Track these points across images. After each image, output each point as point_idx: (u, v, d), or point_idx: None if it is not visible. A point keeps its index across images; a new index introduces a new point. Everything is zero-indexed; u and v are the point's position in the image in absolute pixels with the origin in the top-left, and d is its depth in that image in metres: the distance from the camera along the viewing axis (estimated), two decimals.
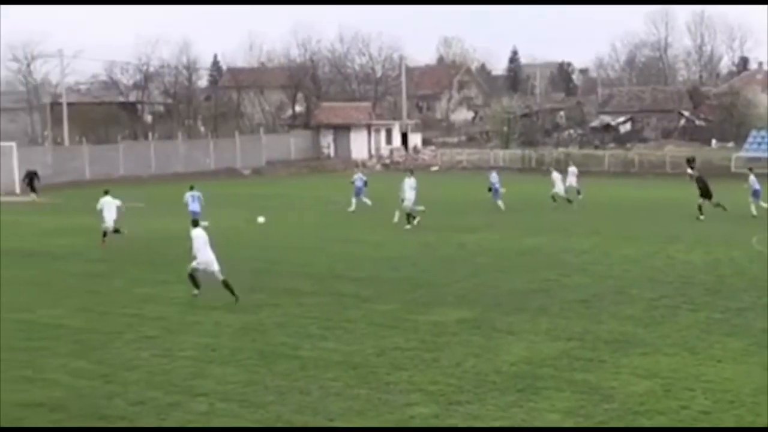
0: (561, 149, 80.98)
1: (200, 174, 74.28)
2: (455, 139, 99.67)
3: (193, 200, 38.13)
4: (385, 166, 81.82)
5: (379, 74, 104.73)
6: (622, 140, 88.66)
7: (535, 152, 78.24)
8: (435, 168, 80.00)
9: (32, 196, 56.01)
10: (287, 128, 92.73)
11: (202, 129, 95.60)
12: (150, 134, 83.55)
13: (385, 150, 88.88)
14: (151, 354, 17.48)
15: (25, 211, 48.51)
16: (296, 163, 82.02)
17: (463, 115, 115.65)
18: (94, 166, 70.90)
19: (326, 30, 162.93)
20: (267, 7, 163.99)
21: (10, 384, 15.63)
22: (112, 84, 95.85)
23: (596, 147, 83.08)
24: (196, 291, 23.01)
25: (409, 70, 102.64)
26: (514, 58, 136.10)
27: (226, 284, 22.49)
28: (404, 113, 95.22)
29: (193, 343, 18.19)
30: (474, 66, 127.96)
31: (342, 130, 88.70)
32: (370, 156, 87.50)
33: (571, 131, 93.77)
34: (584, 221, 38.52)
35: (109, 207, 34.36)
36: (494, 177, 44.20)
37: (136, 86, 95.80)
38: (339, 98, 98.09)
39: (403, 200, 38.07)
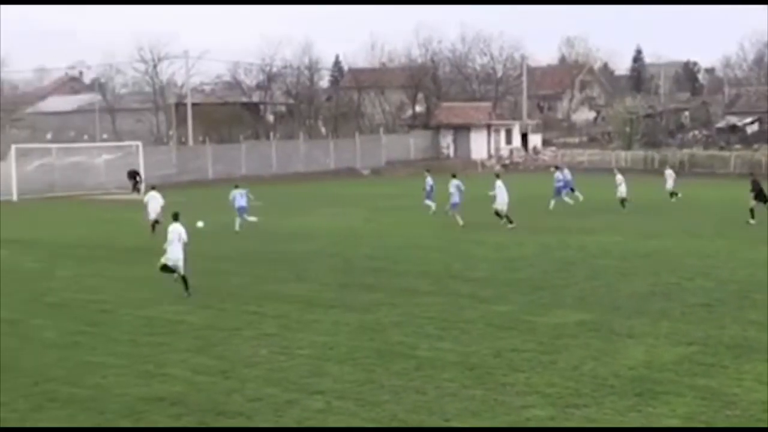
0: (685, 150, 79.42)
1: (320, 174, 75.09)
2: (576, 140, 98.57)
3: (241, 197, 38.93)
4: (504, 166, 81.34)
5: (499, 74, 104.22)
6: (748, 141, 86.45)
7: (658, 153, 76.89)
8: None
9: (134, 195, 57.25)
10: (407, 128, 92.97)
11: (323, 129, 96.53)
12: (272, 134, 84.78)
13: (504, 150, 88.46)
14: (269, 351, 17.70)
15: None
16: (415, 163, 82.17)
17: (585, 115, 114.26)
18: (216, 165, 72.24)
19: (448, 30, 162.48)
20: (389, 8, 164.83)
21: (133, 378, 16.01)
22: (235, 84, 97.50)
23: (721, 148, 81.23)
24: (175, 275, 23.75)
25: (531, 70, 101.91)
26: (638, 57, 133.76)
27: (183, 279, 23.51)
28: (524, 113, 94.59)
29: (310, 341, 18.36)
30: (596, 65, 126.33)
31: (462, 130, 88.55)
32: (490, 156, 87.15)
33: (696, 132, 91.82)
34: (708, 224, 37.70)
35: (155, 200, 36.71)
36: (559, 175, 44.83)
37: (258, 87, 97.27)
38: (459, 98, 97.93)
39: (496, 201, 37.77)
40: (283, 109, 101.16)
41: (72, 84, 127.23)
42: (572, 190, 45.86)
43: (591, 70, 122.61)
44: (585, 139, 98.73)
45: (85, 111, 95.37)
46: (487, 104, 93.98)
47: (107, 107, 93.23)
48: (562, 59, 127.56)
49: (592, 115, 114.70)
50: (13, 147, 62.02)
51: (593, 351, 17.24)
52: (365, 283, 24.91)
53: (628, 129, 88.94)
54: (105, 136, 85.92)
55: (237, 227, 37.77)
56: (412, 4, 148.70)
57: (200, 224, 30.33)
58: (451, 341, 18.19)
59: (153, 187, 38.79)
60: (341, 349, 17.69)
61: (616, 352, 17.18)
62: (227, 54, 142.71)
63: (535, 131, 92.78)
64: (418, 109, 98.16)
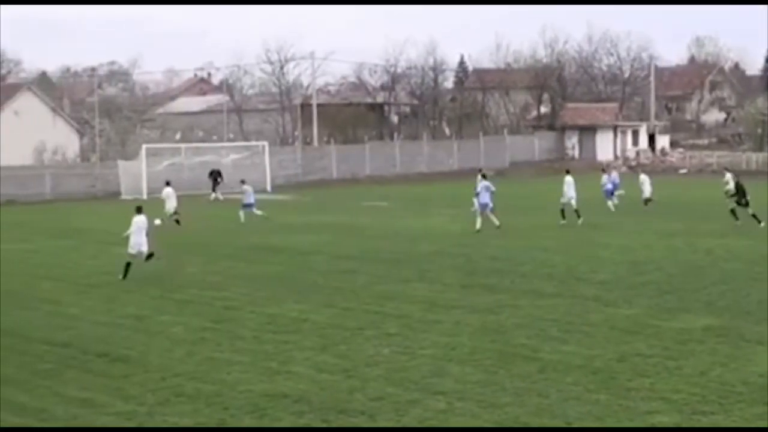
0: None
1: (443, 175, 75.06)
2: (705, 141, 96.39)
3: (249, 195, 42.75)
4: (630, 168, 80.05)
5: (627, 74, 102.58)
6: None
7: None
8: (683, 171, 77.71)
9: (213, 196, 57.85)
10: (531, 129, 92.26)
11: (447, 130, 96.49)
12: (395, 134, 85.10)
13: (631, 152, 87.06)
14: (391, 351, 17.75)
15: (274, 209, 50.33)
16: (540, 165, 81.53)
17: (714, 116, 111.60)
18: (341, 165, 72.86)
19: (574, 30, 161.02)
20: (515, 8, 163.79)
21: (257, 375, 16.23)
22: (360, 85, 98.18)
23: None
24: (121, 277, 26.47)
25: (659, 71, 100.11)
26: None
27: (149, 256, 27.05)
28: (652, 114, 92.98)
29: (432, 342, 18.34)
30: (727, 65, 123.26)
31: (587, 131, 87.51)
32: (616, 157, 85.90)
33: None
34: None
35: (170, 198, 41.10)
36: (606, 178, 44.83)
37: (383, 87, 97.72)
38: (585, 99, 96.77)
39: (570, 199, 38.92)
40: (407, 109, 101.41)
41: (201, 85, 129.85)
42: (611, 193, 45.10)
43: (721, 71, 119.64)
44: (714, 140, 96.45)
45: (213, 111, 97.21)
46: (614, 105, 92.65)
47: (235, 108, 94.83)
48: (692, 59, 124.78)
49: (721, 116, 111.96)
50: (144, 147, 63.64)
51: (721, 357, 16.82)
52: (488, 283, 24.80)
53: (759, 131, 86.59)
54: (232, 136, 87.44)
55: (242, 219, 41.41)
56: (538, 5, 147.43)
57: (157, 222, 31.25)
58: (575, 344, 17.97)
59: (168, 183, 42.88)
60: (463, 350, 17.64)
61: (745, 358, 16.73)
62: (352, 55, 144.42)
63: (662, 132, 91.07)
64: (543, 109, 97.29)
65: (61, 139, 72.21)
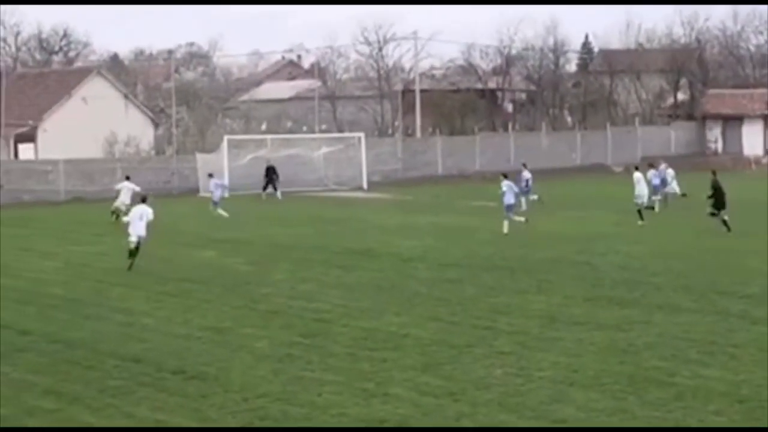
0: None
1: (564, 170, 74.50)
2: None
3: (216, 187, 47.40)
4: None
5: None
6: None
7: None
8: None
9: (264, 194, 58.21)
10: (667, 119, 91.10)
11: (569, 119, 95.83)
12: (510, 125, 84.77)
13: None
14: (504, 372, 17.63)
15: (370, 209, 50.50)
16: (677, 160, 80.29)
17: None
18: (447, 159, 72.81)
19: (716, 6, 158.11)
20: None
21: (351, 397, 16.26)
22: (469, 69, 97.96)
23: None
24: (129, 261, 30.23)
25: None
26: None
27: (137, 248, 30.49)
28: None
29: (552, 362, 18.18)
30: None
31: (732, 121, 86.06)
32: (766, 152, 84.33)
33: None
34: None
35: (125, 192, 44.85)
36: (652, 173, 46.33)
37: (495, 71, 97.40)
38: (729, 84, 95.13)
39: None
40: (523, 96, 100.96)
41: (289, 69, 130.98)
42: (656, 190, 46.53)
43: None
44: None
45: (302, 98, 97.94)
46: (763, 91, 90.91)
47: (327, 94, 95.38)
48: None
49: None
50: (226, 138, 64.33)
51: None
52: (616, 296, 24.52)
53: None
54: (324, 126, 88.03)
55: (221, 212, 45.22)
56: None
57: (126, 219, 33.88)
58: (718, 368, 17.64)
59: (128, 177, 47.22)
60: (587, 373, 17.44)
61: None
62: (460, 35, 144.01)
63: None
64: (681, 96, 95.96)
65: (134, 129, 73.35)
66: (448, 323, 21.89)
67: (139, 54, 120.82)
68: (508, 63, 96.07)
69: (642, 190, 41.56)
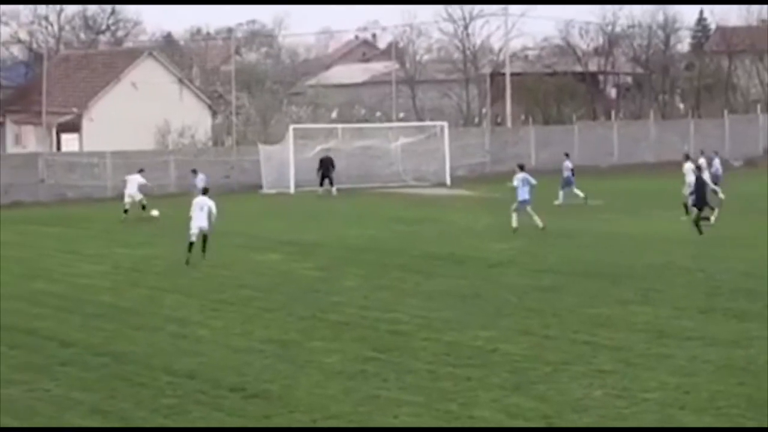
0: None
1: (676, 164, 73.69)
2: None
3: (201, 181, 48.02)
4: None
5: None
6: None
7: None
8: None
9: (320, 190, 58.40)
10: None
11: (681, 106, 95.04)
12: (613, 113, 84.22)
13: None
14: (604, 393, 17.55)
15: (456, 207, 50.52)
16: None
17: None
18: (541, 151, 72.53)
19: None
20: None
21: (432, 419, 16.28)
22: (567, 49, 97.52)
23: None
24: (187, 256, 32.68)
25: None
26: None
27: (204, 240, 33.19)
28: None
29: (659, 382, 18.07)
30: None
31: None
32: None
33: None
34: None
35: (132, 183, 48.74)
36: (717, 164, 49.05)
37: (597, 52, 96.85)
38: None
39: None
40: (628, 80, 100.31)
41: (363, 49, 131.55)
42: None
43: None
44: None
45: (378, 83, 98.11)
46: None
47: (406, 78, 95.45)
48: None
49: None
50: (291, 128, 64.69)
51: None
52: (734, 308, 24.28)
53: None
54: (402, 114, 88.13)
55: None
56: None
57: (155, 213, 37.61)
58: None
59: (140, 171, 50.36)
60: (700, 395, 17.32)
61: None
62: (557, 11, 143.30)
63: None
64: None
65: (190, 117, 73.84)
66: (541, 337, 21.83)
67: (195, 34, 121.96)
68: (611, 42, 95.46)
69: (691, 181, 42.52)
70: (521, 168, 41.13)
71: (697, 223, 37.52)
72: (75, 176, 60.79)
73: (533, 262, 32.01)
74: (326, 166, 59.69)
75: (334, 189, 58.72)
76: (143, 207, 48.01)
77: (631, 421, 16.01)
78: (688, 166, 43.48)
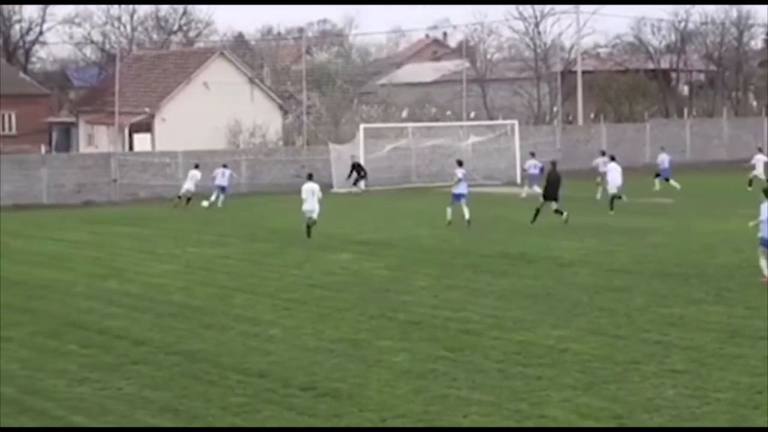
0: None
1: (749, 162, 73.20)
2: None
3: (222, 176, 53.82)
4: None
5: None
6: None
7: None
8: None
9: (355, 188, 58.73)
10: None
11: (754, 104, 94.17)
12: (685, 110, 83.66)
13: None
14: (677, 393, 17.44)
15: (527, 206, 50.38)
16: None
17: None
18: (613, 150, 71.91)
19: None
20: None
21: (501, 419, 16.24)
22: (639, 46, 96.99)
23: None
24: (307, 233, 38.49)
25: None
26: None
27: (312, 224, 38.67)
28: None
29: (732, 382, 17.92)
30: None
31: None
32: None
33: None
34: None
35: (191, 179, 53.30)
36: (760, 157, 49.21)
37: (669, 49, 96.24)
38: None
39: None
40: (701, 77, 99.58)
41: (434, 48, 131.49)
42: None
43: None
44: None
45: (448, 82, 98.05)
46: None
47: (476, 77, 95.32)
48: None
49: None
50: (362, 127, 64.84)
51: None
52: None
53: None
54: (473, 113, 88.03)
55: (206, 203, 51.75)
56: None
57: (205, 204, 42.23)
58: None
59: (196, 166, 53.94)
60: None
61: None
62: (629, 8, 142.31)
63: None
64: None
65: (260, 116, 74.30)
66: (612, 337, 21.73)
67: (266, 33, 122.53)
68: (683, 39, 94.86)
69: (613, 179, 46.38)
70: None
71: (538, 211, 41.44)
72: (147, 176, 61.38)
73: (604, 262, 31.87)
74: (356, 170, 60.85)
75: (361, 183, 60.12)
76: (188, 200, 52.77)
77: (703, 421, 15.90)
78: (760, 157, 44.13)
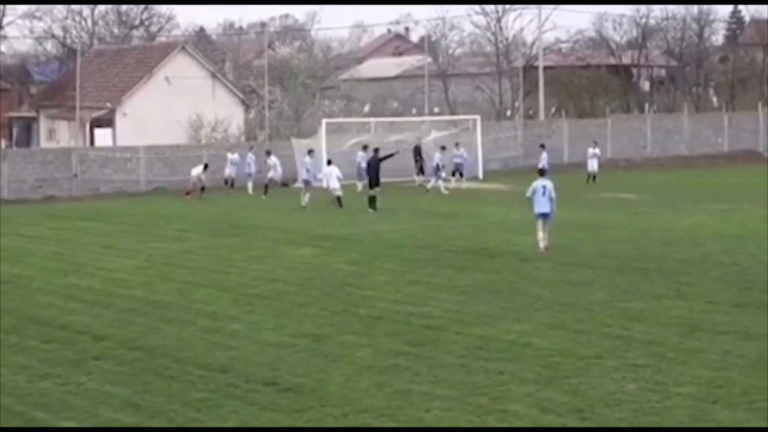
0: None
1: (709, 158, 73.79)
2: None
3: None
4: None
5: None
6: None
7: None
8: None
9: (419, 180, 59.45)
10: None
11: (714, 99, 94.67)
12: (647, 106, 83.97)
13: None
14: (637, 387, 17.51)
15: (487, 202, 50.49)
16: None
17: None
18: (574, 146, 72.46)
19: None
20: None
21: (464, 413, 16.27)
22: (601, 42, 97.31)
23: None
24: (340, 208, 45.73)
25: None
26: None
27: (339, 199, 46.86)
28: None
29: (693, 377, 18.01)
30: None
31: None
32: None
33: None
34: None
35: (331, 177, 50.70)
36: None
37: (631, 45, 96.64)
38: None
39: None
40: (662, 73, 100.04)
41: (396, 43, 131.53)
42: None
43: None
44: None
45: (411, 77, 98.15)
46: None
47: (438, 72, 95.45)
48: None
49: None
50: (324, 122, 64.77)
51: None
52: None
53: None
54: (436, 108, 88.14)
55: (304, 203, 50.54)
56: None
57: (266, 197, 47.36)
58: None
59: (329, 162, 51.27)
60: (733, 389, 17.24)
61: None
62: (591, 4, 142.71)
63: None
64: None
65: (222, 111, 74.16)
66: (574, 331, 21.79)
67: (228, 28, 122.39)
68: (645, 35, 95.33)
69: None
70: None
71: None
72: (108, 171, 61.17)
73: (566, 257, 31.95)
74: (418, 155, 62.23)
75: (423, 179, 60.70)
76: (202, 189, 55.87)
77: (663, 416, 15.97)
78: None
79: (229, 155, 59.91)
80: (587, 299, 25.21)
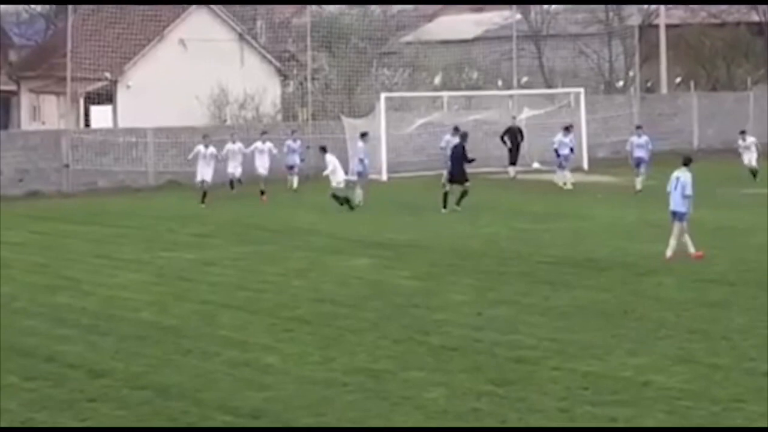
0: None
1: None
2: None
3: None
4: None
5: None
6: None
7: None
8: None
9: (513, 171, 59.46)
10: None
11: None
12: None
13: None
14: None
15: (594, 199, 50.38)
16: None
17: None
18: (706, 126, 72.04)
19: None
20: None
21: None
22: None
23: None
24: (347, 206, 46.86)
25: None
26: None
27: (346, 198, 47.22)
28: None
29: None
30: None
31: None
32: None
33: None
34: None
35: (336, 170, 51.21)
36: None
37: None
38: None
39: None
40: None
41: None
42: None
43: None
44: None
45: (494, 39, 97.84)
46: None
47: (530, 32, 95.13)
48: None
49: None
50: (383, 97, 64.51)
51: None
52: None
53: None
54: (526, 79, 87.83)
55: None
56: None
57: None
58: None
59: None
60: None
61: None
62: None
63: None
64: None
65: (253, 84, 74.07)
66: (707, 366, 21.69)
67: None
68: None
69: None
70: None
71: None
72: (108, 160, 61.07)
73: (696, 270, 31.78)
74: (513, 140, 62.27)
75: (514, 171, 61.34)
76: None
77: None
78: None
79: (289, 142, 59.49)
80: (724, 324, 25.09)
